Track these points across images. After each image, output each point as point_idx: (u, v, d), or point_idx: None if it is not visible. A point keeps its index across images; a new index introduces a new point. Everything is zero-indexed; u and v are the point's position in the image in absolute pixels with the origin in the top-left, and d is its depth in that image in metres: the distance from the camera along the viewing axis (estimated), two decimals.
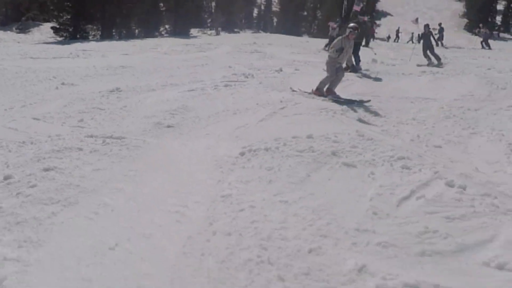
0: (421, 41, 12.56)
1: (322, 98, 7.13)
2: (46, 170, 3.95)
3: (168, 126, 5.48)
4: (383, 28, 48.48)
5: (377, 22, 50.78)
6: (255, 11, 49.67)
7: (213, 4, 38.83)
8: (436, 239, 2.89)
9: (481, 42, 23.05)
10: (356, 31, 7.33)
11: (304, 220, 3.16)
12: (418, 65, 11.76)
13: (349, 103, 6.74)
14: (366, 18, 13.34)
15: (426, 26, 12.65)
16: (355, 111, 6.44)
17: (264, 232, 2.98)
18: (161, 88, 7.76)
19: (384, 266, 2.58)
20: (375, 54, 13.53)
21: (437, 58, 12.03)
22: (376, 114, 6.36)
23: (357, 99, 6.99)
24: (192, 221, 3.18)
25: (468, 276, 2.53)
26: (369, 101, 6.91)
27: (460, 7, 49.20)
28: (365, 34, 13.10)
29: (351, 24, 7.54)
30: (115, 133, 5.09)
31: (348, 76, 8.86)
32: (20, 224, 3.07)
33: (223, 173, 4.06)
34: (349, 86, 8.36)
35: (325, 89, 7.28)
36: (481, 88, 8.16)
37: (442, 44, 22.01)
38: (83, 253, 2.75)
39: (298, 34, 34.37)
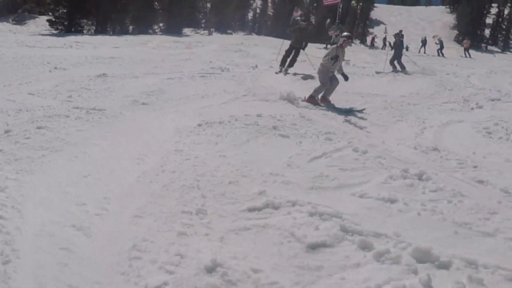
0: (393, 50, 13.48)
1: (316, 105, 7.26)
2: (39, 128, 5.01)
3: (143, 104, 6.55)
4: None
5: (370, 30, 52.47)
6: (251, 14, 50.87)
7: (208, 5, 39.97)
8: (325, 180, 3.98)
9: (464, 51, 24.49)
10: (349, 40, 7.65)
11: (233, 167, 4.23)
12: (377, 72, 12.52)
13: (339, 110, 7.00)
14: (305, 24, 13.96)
15: (397, 35, 13.58)
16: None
17: (200, 171, 4.06)
18: (143, 76, 8.82)
19: (279, 193, 3.66)
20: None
21: (402, 67, 12.96)
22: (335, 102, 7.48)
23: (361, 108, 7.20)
24: (148, 164, 4.25)
25: (338, 200, 3.61)
26: (364, 109, 7.22)
27: (451, 19, 50.75)
28: (305, 39, 13.76)
29: (345, 34, 7.84)
30: (97, 107, 6.15)
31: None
32: (17, 160, 4.11)
33: (181, 137, 5.14)
34: (312, 82, 9.47)
35: (319, 97, 7.48)
36: (429, 88, 9.31)
37: (442, 55, 24.02)
38: (64, 179, 3.81)
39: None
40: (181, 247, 2.73)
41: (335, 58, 7.25)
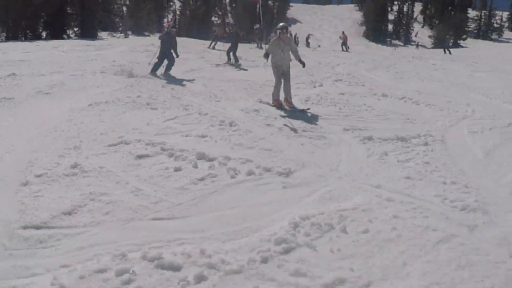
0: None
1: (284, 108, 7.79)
2: None
3: (46, 93, 8.38)
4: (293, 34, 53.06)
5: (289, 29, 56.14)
6: (170, 16, 52.37)
7: (124, 8, 41.11)
8: (168, 130, 6.15)
9: (342, 45, 27.68)
10: (284, 30, 7.74)
11: (107, 126, 6.27)
12: (217, 64, 14.75)
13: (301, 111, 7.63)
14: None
15: (234, 25, 15.86)
16: (184, 87, 9.72)
17: (82, 130, 6.06)
18: (50, 74, 10.53)
19: (133, 137, 5.76)
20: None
21: (236, 59, 14.62)
22: (203, 90, 9.69)
23: (305, 108, 7.81)
24: (45, 128, 6.18)
25: (169, 139, 5.77)
26: (308, 109, 7.84)
27: (359, 17, 55.63)
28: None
29: (280, 24, 7.98)
30: (7, 96, 7.91)
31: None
32: None
33: (73, 113, 7.08)
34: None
35: (282, 99, 7.85)
36: (294, 74, 11.82)
37: (347, 49, 27.11)
38: None
39: (206, 38, 37.60)
40: (59, 159, 4.78)
41: (277, 51, 7.65)
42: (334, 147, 5.77)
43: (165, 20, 19.72)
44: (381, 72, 13.79)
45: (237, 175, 4.52)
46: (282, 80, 7.82)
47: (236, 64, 14.45)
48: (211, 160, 4.87)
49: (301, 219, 3.57)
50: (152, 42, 22.81)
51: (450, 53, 25.89)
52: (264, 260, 3.02)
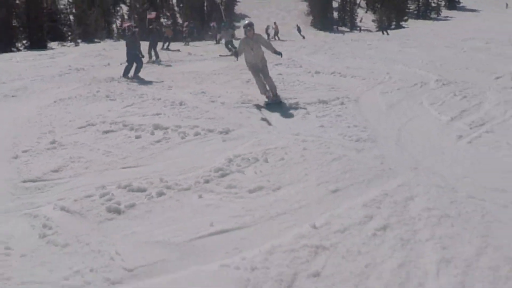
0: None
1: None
2: None
3: (12, 96, 9.27)
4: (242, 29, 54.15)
5: (237, 24, 57.39)
6: (118, 21, 52.47)
7: (71, 17, 41.15)
8: (127, 113, 7.26)
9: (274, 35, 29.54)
10: (248, 28, 7.63)
11: (73, 116, 7.31)
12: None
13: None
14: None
15: (154, 22, 16.70)
16: (139, 80, 10.79)
17: (53, 119, 7.08)
18: (10, 81, 11.33)
19: (98, 120, 6.86)
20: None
21: (156, 56, 15.18)
22: (155, 82, 10.78)
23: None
24: (19, 121, 7.15)
25: (131, 118, 6.90)
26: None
27: (305, 7, 57.46)
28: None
29: (245, 23, 7.99)
30: None
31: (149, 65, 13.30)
32: None
33: (41, 109, 8.04)
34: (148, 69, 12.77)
35: (271, 95, 7.71)
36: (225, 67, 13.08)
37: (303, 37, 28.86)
38: None
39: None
40: (38, 140, 5.83)
41: (247, 49, 7.64)
42: (267, 113, 7.06)
43: (124, 20, 19.86)
44: (319, 55, 15.31)
45: (186, 137, 5.74)
46: (261, 75, 7.77)
47: (157, 61, 14.81)
48: (165, 128, 6.06)
49: (234, 156, 4.84)
50: (103, 47, 23.62)
51: (388, 34, 27.87)
52: (206, 181, 4.27)
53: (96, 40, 39.54)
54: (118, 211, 3.67)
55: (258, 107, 7.45)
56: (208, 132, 5.86)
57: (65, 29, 42.02)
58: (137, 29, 13.14)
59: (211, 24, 29.60)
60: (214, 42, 26.13)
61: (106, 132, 6.12)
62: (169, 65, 14.04)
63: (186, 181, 4.28)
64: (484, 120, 6.19)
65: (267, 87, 7.73)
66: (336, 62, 13.26)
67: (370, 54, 15.04)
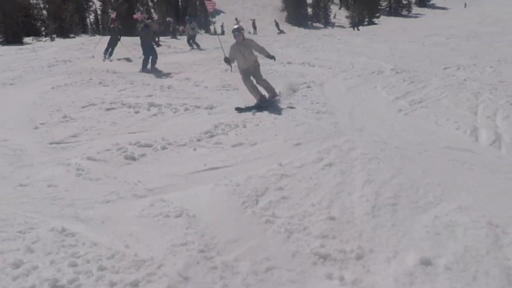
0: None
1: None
2: None
3: (11, 84, 10.31)
4: (218, 24, 55.23)
5: (213, 19, 58.54)
6: (92, 16, 52.82)
7: (44, 11, 41.50)
8: (122, 96, 8.46)
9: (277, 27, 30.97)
10: (236, 33, 7.43)
11: (73, 99, 8.45)
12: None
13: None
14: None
15: (116, 21, 17.33)
16: (126, 70, 11.94)
17: (56, 102, 8.21)
18: (3, 72, 12.29)
19: (97, 101, 8.03)
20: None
21: (111, 54, 15.34)
22: (138, 70, 11.93)
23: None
24: (25, 104, 8.25)
25: (126, 99, 8.11)
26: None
27: (280, 3, 58.95)
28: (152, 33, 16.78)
29: (234, 27, 7.70)
30: None
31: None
32: None
33: (42, 94, 9.14)
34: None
35: (267, 96, 7.46)
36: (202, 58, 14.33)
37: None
38: None
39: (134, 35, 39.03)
40: (50, 116, 6.98)
41: (238, 56, 7.43)
42: (245, 95, 8.37)
43: (137, 12, 19.07)
44: (292, 48, 16.74)
45: (178, 111, 7.01)
46: (253, 79, 7.56)
47: (108, 58, 14.69)
48: (159, 106, 7.32)
49: (219, 124, 6.15)
50: (82, 42, 24.44)
51: (358, 29, 29.57)
52: (198, 140, 5.56)
53: (71, 35, 40.07)
54: (134, 158, 4.93)
55: (236, 88, 8.72)
56: (196, 108, 7.14)
57: (39, 24, 42.33)
58: (149, 21, 13.32)
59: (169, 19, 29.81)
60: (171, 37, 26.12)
61: (108, 109, 7.32)
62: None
63: (183, 140, 5.55)
64: (422, 99, 7.69)
65: (261, 90, 7.48)
66: (306, 54, 14.71)
67: (339, 48, 16.58)
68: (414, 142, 5.41)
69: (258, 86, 7.54)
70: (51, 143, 5.70)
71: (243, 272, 2.87)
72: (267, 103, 7.26)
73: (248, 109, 7.05)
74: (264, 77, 7.69)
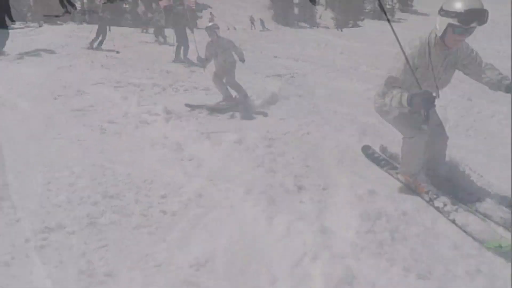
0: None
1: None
2: None
3: (18, 63, 11.22)
4: (205, 19, 56.15)
5: (199, 14, 59.33)
6: (78, 4, 53.01)
7: None
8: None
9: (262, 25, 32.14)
10: (209, 31, 7.27)
11: (76, 77, 9.44)
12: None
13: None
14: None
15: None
16: (123, 56, 12.93)
17: (64, 80, 9.21)
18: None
19: (98, 94, 9.06)
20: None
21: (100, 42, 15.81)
22: (137, 58, 12.93)
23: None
24: (43, 77, 9.21)
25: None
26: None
27: (267, 1, 60.10)
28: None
29: (209, 25, 7.43)
30: None
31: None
32: None
33: (49, 73, 10.08)
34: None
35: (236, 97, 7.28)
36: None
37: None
38: None
39: (121, 25, 39.70)
40: (64, 89, 8.00)
41: (213, 55, 7.31)
42: None
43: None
44: (278, 44, 17.90)
45: (178, 91, 8.15)
46: (225, 79, 7.34)
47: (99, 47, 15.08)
48: (162, 86, 8.41)
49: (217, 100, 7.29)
50: (72, 29, 25.22)
51: (342, 31, 31.03)
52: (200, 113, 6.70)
53: (58, 22, 40.41)
54: (147, 122, 6.04)
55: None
56: (194, 89, 8.28)
57: (24, 9, 42.55)
58: (181, 7, 12.92)
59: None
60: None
61: (116, 87, 8.38)
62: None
63: (181, 112, 6.69)
64: None
65: (230, 92, 7.32)
66: (291, 49, 15.94)
67: (321, 46, 17.88)
68: None
69: (228, 86, 7.34)
70: (73, 110, 6.73)
71: None
72: (234, 103, 7.12)
73: (199, 107, 7.04)
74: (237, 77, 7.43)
